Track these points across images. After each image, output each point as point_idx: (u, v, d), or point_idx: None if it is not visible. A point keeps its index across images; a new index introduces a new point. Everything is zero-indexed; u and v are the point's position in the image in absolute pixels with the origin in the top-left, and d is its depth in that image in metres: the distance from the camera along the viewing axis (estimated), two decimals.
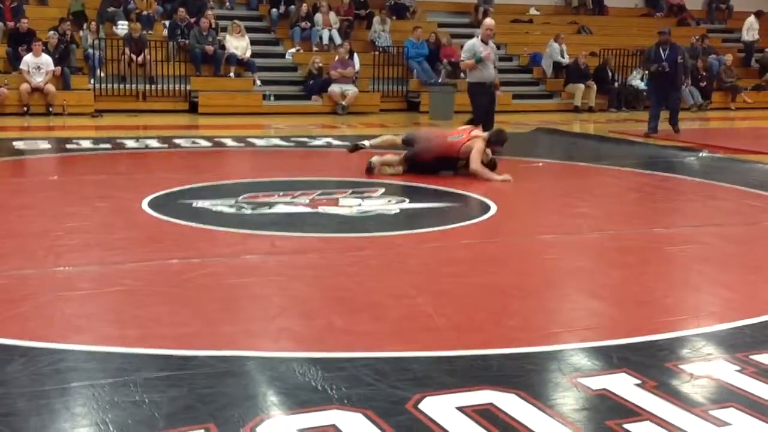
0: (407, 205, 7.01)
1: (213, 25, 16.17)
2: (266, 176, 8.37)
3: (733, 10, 22.64)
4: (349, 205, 6.84)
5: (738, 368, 3.48)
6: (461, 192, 7.67)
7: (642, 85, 18.29)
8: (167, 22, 16.63)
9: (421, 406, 3.05)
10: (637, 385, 3.28)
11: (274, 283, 4.67)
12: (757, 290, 4.85)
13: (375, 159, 8.45)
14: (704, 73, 18.46)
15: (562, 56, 18.23)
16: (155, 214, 6.33)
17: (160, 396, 3.09)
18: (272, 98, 15.87)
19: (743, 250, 5.85)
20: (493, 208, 6.92)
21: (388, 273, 5.02)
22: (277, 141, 11.49)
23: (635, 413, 3.04)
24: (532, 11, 20.91)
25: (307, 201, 6.95)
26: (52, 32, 14.74)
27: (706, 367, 3.48)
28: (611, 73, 18.04)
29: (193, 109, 15.15)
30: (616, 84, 18.06)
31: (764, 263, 5.51)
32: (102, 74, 15.13)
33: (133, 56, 15.29)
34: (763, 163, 10.15)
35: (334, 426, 2.88)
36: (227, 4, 18.47)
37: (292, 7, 17.77)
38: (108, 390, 3.13)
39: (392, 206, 6.90)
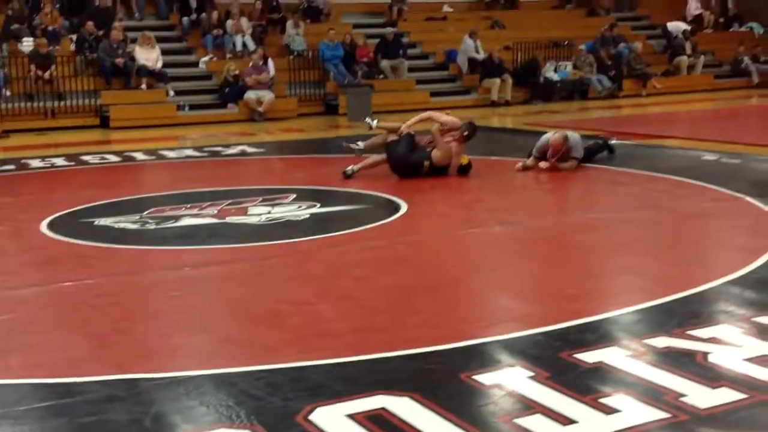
0: (317, 209, 6.93)
1: (123, 37, 15.80)
2: (175, 189, 8.19)
3: None
4: (257, 214, 6.74)
5: (629, 353, 3.51)
6: (373, 193, 7.62)
7: (556, 77, 18.54)
8: (74, 37, 16.19)
9: (311, 417, 2.99)
10: (530, 377, 3.28)
11: (172, 300, 4.55)
12: (659, 273, 4.91)
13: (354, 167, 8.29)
14: (609, 62, 18.92)
15: (477, 52, 18.37)
16: (53, 236, 6.11)
17: (39, 427, 2.96)
18: (187, 108, 15.57)
19: (647, 234, 5.95)
20: (404, 208, 6.90)
21: (292, 280, 4.94)
22: (189, 152, 11.27)
23: (527, 407, 3.03)
24: (446, 8, 21.02)
25: (215, 212, 6.82)
26: None
27: (598, 355, 3.50)
28: (537, 66, 18.25)
29: (105, 124, 14.77)
30: (541, 78, 18.24)
31: (666, 246, 5.61)
32: (8, 93, 14.64)
33: (40, 73, 14.85)
34: (669, 147, 10.39)
35: None
36: (136, 14, 18.08)
37: (204, 14, 17.50)
38: None
39: (302, 212, 6.82)
